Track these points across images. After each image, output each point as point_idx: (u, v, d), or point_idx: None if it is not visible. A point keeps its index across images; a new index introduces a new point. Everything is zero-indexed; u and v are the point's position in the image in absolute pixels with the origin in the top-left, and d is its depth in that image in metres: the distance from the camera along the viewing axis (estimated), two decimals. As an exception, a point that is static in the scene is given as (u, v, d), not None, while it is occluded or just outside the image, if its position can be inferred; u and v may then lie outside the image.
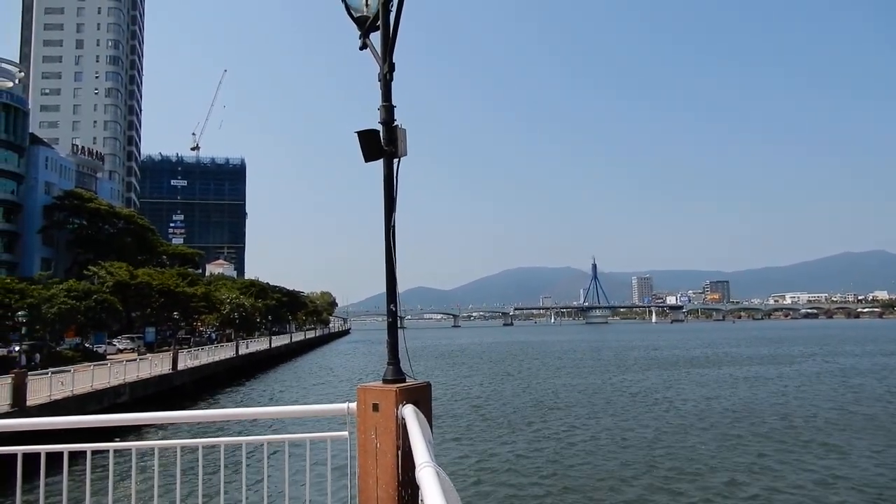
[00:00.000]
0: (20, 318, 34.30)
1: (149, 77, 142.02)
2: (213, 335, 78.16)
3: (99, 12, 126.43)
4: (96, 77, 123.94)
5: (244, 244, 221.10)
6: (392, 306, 4.85)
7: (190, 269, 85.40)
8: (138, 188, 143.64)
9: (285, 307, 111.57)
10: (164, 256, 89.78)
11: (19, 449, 4.41)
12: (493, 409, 30.59)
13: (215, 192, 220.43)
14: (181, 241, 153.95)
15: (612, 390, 36.85)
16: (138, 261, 75.42)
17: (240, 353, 52.18)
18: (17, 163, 74.71)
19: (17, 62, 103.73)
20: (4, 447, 4.36)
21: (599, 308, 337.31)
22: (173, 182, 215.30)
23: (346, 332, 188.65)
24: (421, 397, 4.49)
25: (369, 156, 4.68)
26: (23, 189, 75.73)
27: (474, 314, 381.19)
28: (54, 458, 4.44)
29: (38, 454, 4.38)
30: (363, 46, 5.13)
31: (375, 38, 5.00)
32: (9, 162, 73.49)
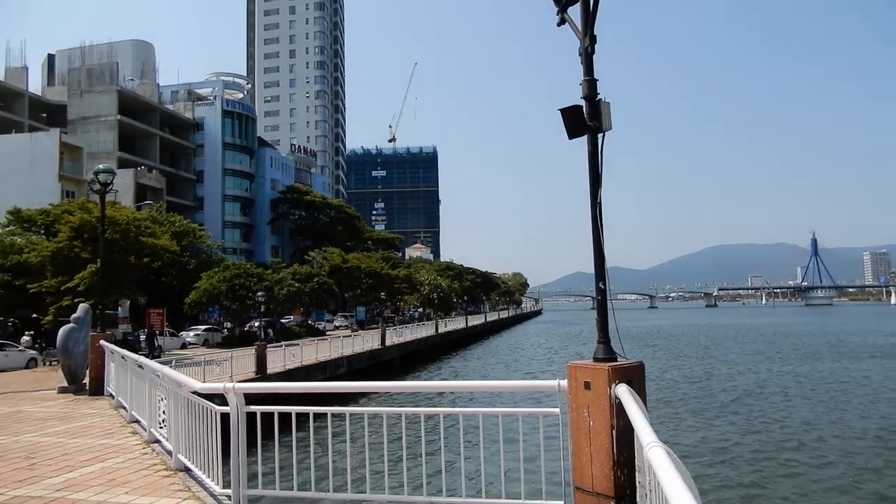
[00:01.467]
0: (259, 299, 39.69)
1: (349, 76, 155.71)
2: (416, 314, 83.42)
3: (306, 23, 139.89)
4: (307, 82, 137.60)
5: (439, 228, 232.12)
6: (601, 284, 4.78)
7: (392, 253, 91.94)
8: (345, 180, 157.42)
9: (479, 288, 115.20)
10: (369, 241, 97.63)
11: (276, 409, 5.15)
12: (703, 393, 28.77)
13: (411, 180, 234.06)
14: (383, 227, 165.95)
15: (848, 381, 32.60)
16: (347, 246, 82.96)
17: (439, 331, 55.07)
18: (248, 163, 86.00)
19: (245, 75, 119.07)
20: (268, 406, 5.12)
21: (822, 288, 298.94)
22: (374, 173, 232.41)
23: (538, 313, 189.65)
24: (634, 377, 4.38)
25: (573, 132, 4.63)
26: (254, 186, 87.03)
27: (672, 295, 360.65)
28: (287, 417, 5.12)
29: (280, 413, 5.08)
30: (561, 22, 5.06)
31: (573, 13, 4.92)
32: (243, 163, 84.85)
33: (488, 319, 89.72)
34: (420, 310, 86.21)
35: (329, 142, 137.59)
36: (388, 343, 39.18)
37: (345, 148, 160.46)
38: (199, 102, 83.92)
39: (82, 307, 14.65)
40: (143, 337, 31.22)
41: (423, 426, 4.80)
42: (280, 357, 25.15)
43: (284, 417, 5.08)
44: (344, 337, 35.32)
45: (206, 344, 40.53)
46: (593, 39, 4.66)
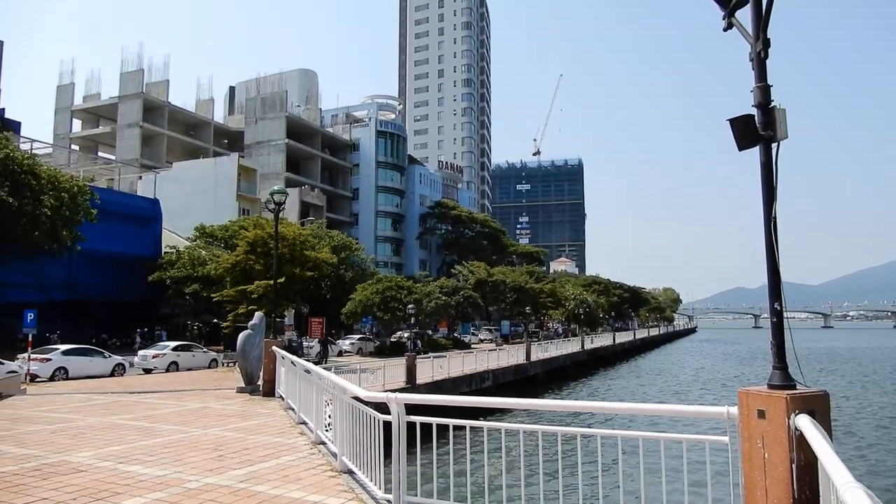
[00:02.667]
0: (410, 311, 41.32)
1: (495, 91, 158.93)
2: (560, 329, 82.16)
3: (454, 43, 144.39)
4: (454, 100, 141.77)
5: (584, 242, 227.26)
6: (777, 305, 4.43)
7: (536, 267, 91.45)
8: (490, 194, 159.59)
9: (627, 304, 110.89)
10: (514, 255, 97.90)
11: (435, 420, 5.33)
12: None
13: (556, 193, 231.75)
14: (527, 240, 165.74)
15: None
16: (492, 260, 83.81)
17: (585, 347, 53.72)
18: (399, 180, 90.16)
19: (397, 97, 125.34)
20: (428, 417, 5.33)
21: None
22: (518, 187, 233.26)
23: (691, 331, 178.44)
24: (817, 407, 3.99)
25: (744, 143, 4.36)
26: (404, 202, 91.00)
27: (851, 313, 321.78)
28: (427, 428, 5.25)
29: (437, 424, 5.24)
30: (728, 27, 4.81)
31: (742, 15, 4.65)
32: (394, 180, 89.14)
33: (637, 337, 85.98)
34: (564, 325, 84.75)
35: (475, 157, 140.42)
36: (532, 358, 38.91)
37: (490, 163, 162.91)
38: (356, 124, 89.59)
39: (258, 315, 16.20)
40: (305, 343, 33.71)
41: (580, 447, 4.71)
42: (428, 368, 25.91)
43: (439, 427, 5.25)
44: (489, 350, 35.63)
45: (359, 352, 42.84)
46: (766, 43, 4.37)
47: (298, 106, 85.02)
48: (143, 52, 74.96)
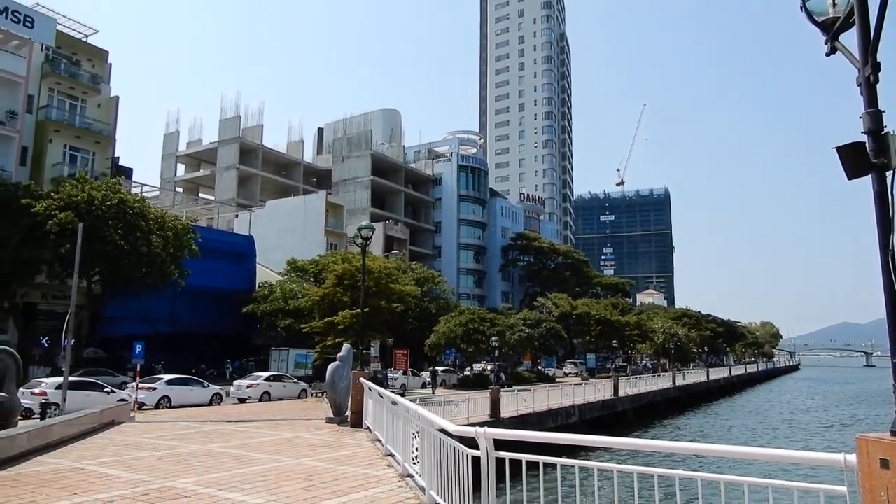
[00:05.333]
0: (493, 343, 41.11)
1: (576, 122, 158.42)
2: (649, 364, 79.03)
3: (535, 77, 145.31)
4: (535, 132, 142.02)
5: (672, 273, 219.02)
6: (898, 344, 4.09)
7: (622, 299, 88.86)
8: (573, 226, 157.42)
9: (721, 338, 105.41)
10: (598, 287, 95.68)
11: (525, 457, 5.24)
12: None
13: (641, 224, 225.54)
14: (612, 272, 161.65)
15: None
16: (576, 292, 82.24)
17: (676, 383, 51.35)
18: (481, 213, 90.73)
19: (478, 131, 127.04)
20: (517, 454, 5.26)
21: None
22: (602, 217, 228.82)
23: (794, 368, 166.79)
24: (952, 458, 3.62)
25: (855, 171, 4.12)
26: (486, 234, 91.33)
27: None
28: (515, 464, 5.15)
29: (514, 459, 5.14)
30: (831, 51, 4.60)
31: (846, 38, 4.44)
32: (476, 213, 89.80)
33: (733, 373, 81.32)
34: (653, 359, 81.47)
35: (557, 189, 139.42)
36: (620, 393, 37.58)
37: (572, 194, 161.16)
38: (438, 159, 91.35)
39: (346, 347, 16.61)
40: (390, 375, 34.17)
41: (678, 490, 4.48)
42: (513, 402, 25.55)
43: (528, 464, 5.14)
44: (575, 385, 34.75)
45: (443, 384, 42.87)
46: (876, 67, 4.14)
47: (382, 144, 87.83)
48: (240, 99, 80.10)
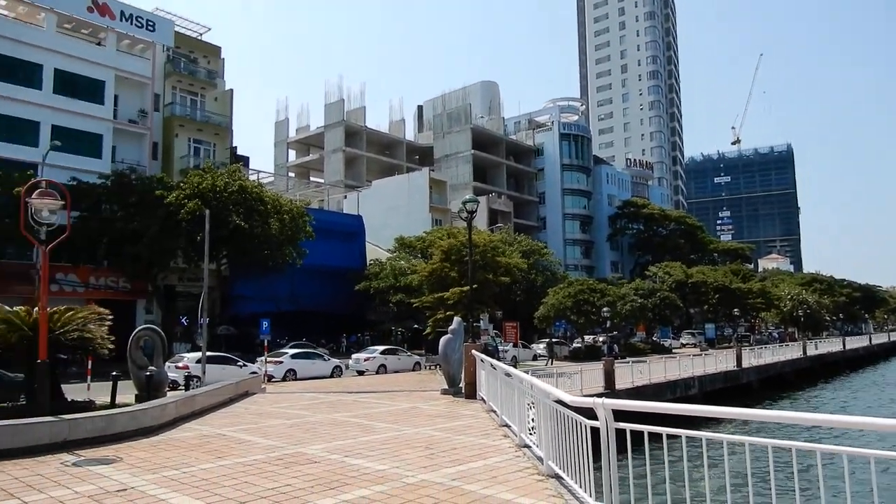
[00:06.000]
0: (604, 314, 40.26)
1: (684, 80, 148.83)
2: (776, 333, 74.28)
3: (637, 35, 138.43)
4: (640, 94, 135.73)
5: (798, 236, 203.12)
6: None
7: (742, 265, 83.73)
8: (684, 190, 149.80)
9: (858, 304, 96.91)
10: (715, 253, 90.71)
11: (647, 428, 5.09)
12: None
13: (761, 185, 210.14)
14: (729, 237, 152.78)
15: None
16: (690, 259, 78.46)
17: (807, 353, 47.92)
18: (585, 182, 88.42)
19: (579, 97, 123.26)
20: (638, 425, 5.12)
21: None
22: (717, 180, 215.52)
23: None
24: None
25: None
26: (592, 203, 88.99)
27: None
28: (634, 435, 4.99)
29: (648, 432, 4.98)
30: None
31: None
32: (580, 182, 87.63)
33: (874, 342, 74.62)
34: (780, 328, 76.42)
35: (665, 152, 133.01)
36: (744, 364, 35.61)
37: (682, 156, 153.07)
38: (538, 129, 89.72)
39: (456, 320, 16.88)
40: (501, 347, 34.39)
41: (820, 466, 4.16)
42: (627, 373, 24.94)
43: (649, 435, 4.99)
44: (694, 355, 33.34)
45: (553, 357, 42.61)
46: None
47: (482, 117, 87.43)
48: (342, 83, 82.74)
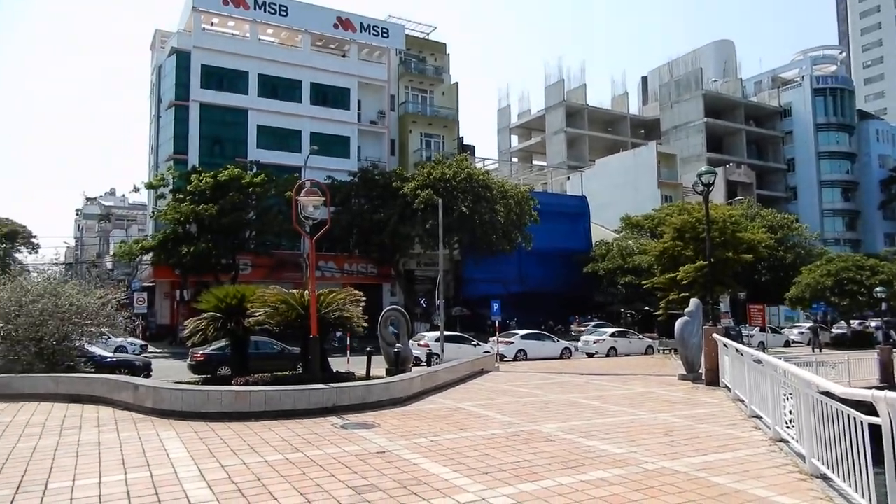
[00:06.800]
0: (878, 294, 34.45)
1: None
2: None
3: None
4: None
5: None
6: None
7: None
8: None
9: None
10: None
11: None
12: None
13: None
14: None
15: None
16: None
17: None
18: (847, 142, 76.21)
19: (836, 45, 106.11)
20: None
21: None
22: None
23: None
24: None
25: None
26: (856, 167, 76.50)
27: None
28: None
29: None
30: None
31: None
32: (840, 143, 75.79)
33: None
34: None
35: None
36: None
37: None
38: (785, 87, 79.53)
39: (694, 302, 15.80)
40: (745, 332, 31.45)
41: None
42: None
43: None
44: None
45: (809, 343, 37.77)
46: None
47: (715, 81, 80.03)
48: (561, 63, 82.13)
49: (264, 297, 13.24)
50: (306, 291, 12.93)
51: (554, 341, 29.54)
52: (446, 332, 23.61)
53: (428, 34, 52.04)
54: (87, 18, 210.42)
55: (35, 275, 22.23)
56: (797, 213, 62.83)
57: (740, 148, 74.53)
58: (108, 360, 17.45)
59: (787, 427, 7.90)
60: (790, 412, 7.73)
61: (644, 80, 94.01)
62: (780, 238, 46.12)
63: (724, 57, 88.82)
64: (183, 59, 40.33)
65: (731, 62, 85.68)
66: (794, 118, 76.89)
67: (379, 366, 16.22)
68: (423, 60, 49.91)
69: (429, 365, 21.83)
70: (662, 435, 8.79)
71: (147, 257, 38.15)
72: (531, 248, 40.45)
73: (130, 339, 27.33)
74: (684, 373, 15.79)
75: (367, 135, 45.91)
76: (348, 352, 22.64)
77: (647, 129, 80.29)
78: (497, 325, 26.22)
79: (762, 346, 30.58)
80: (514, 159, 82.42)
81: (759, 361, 9.27)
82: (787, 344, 37.16)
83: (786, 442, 7.91)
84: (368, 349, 15.88)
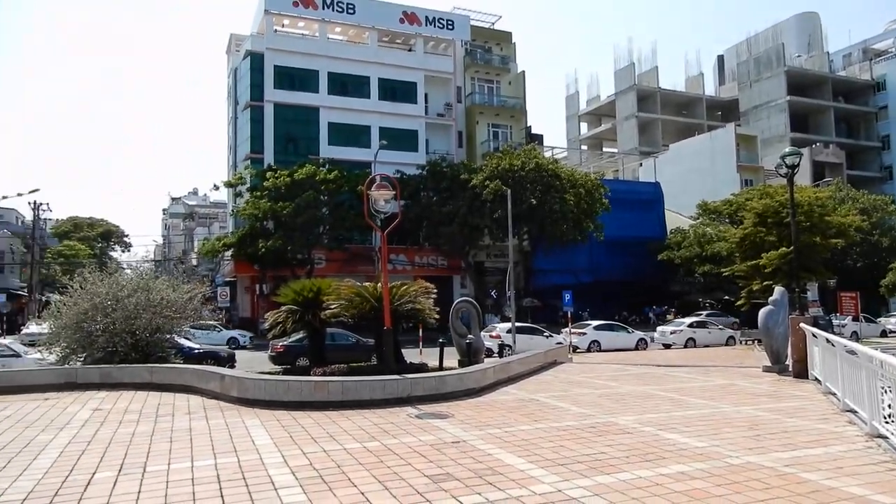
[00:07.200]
0: None
1: None
2: None
3: None
4: None
5: None
6: None
7: None
8: None
9: None
10: None
11: None
12: None
13: None
14: None
15: None
16: None
17: None
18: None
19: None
20: None
21: None
22: None
23: None
24: None
25: None
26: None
27: None
28: None
29: None
30: None
31: None
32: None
33: None
34: None
35: None
36: None
37: None
38: (877, 59, 74.09)
39: (778, 290, 15.05)
40: (836, 321, 29.67)
41: None
42: None
43: None
44: None
45: (907, 333, 35.28)
46: None
47: (799, 56, 75.47)
48: (631, 46, 79.54)
49: (339, 291, 13.59)
50: (379, 284, 13.18)
51: (628, 332, 28.87)
52: (518, 324, 23.50)
53: (493, 24, 51.65)
54: (169, 27, 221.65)
55: (129, 271, 23.72)
56: (893, 194, 58.59)
57: (828, 126, 70.08)
58: (196, 351, 18.39)
59: (886, 422, 7.42)
60: (889, 406, 7.26)
61: (720, 58, 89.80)
62: (874, 221, 43.32)
63: (808, 30, 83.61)
64: (257, 60, 41.73)
65: (816, 35, 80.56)
66: (888, 92, 71.50)
67: (451, 357, 16.34)
68: (488, 51, 49.59)
69: (501, 356, 21.81)
70: (747, 429, 8.44)
71: (228, 253, 39.91)
72: (603, 238, 39.59)
73: (239, 331, 30.62)
74: (769, 364, 15.09)
75: (434, 128, 46.10)
76: (420, 343, 22.92)
77: (725, 111, 76.76)
78: (569, 315, 25.85)
79: (855, 337, 28.79)
80: (584, 147, 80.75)
81: (852, 352, 8.74)
82: (884, 334, 34.82)
83: (884, 438, 7.43)
84: (441, 340, 16.03)
